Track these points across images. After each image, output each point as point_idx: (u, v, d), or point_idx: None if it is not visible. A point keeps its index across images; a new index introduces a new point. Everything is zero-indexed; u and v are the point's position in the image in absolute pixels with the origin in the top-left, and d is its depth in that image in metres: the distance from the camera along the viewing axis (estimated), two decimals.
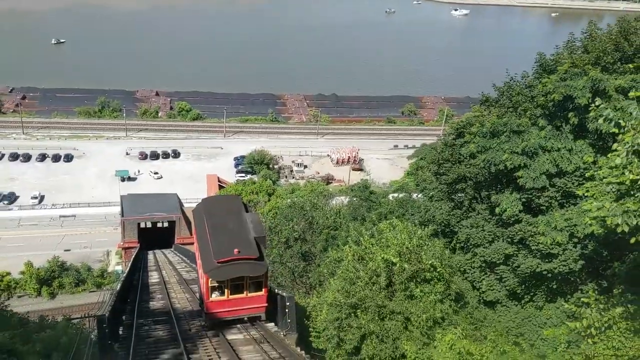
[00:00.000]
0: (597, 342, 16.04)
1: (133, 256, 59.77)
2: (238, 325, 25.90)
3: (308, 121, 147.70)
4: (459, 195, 28.33)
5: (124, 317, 29.03)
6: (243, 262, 23.89)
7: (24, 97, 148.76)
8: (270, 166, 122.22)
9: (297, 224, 46.62)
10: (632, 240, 12.17)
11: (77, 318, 34.35)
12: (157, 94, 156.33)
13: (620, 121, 12.88)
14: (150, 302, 35.39)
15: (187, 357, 20.70)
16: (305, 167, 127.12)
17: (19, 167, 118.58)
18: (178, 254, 65.05)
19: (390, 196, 48.68)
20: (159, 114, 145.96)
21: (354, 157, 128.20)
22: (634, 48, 23.46)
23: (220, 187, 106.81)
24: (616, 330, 15.85)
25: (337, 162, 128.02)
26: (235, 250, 23.64)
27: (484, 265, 26.17)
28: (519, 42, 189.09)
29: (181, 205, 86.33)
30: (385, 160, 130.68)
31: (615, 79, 21.76)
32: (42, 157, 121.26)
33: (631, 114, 13.00)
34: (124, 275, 39.79)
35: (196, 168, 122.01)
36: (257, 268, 24.38)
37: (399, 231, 22.89)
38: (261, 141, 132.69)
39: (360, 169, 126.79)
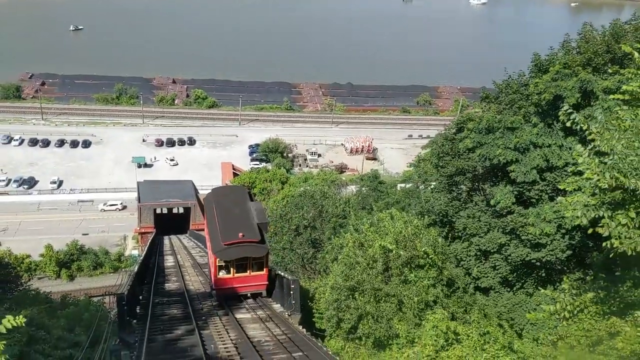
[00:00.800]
0: (570, 324, 17.72)
1: (149, 241, 62.00)
2: (246, 306, 28.02)
3: (323, 110, 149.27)
4: (458, 187, 29.98)
5: (140, 297, 31.12)
6: (247, 245, 27.74)
7: (43, 84, 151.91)
8: (285, 154, 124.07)
9: (307, 212, 48.41)
10: (590, 231, 13.81)
11: (98, 296, 36.52)
12: (173, 82, 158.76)
13: (584, 125, 14.44)
14: (166, 284, 37.58)
15: (199, 332, 22.66)
16: (319, 155, 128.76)
17: (38, 153, 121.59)
18: (193, 239, 67.27)
19: (398, 186, 50.28)
20: (176, 102, 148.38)
21: (368, 146, 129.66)
22: (623, 50, 24.80)
23: (235, 174, 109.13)
24: (587, 313, 17.49)
25: (351, 151, 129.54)
26: (240, 234, 27.48)
27: (479, 253, 27.82)
28: (537, 32, 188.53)
29: (196, 192, 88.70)
30: (400, 150, 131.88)
31: (604, 79, 23.22)
32: (61, 143, 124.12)
33: (596, 118, 14.57)
34: (141, 258, 41.96)
35: (211, 155, 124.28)
36: (259, 250, 28.28)
37: (397, 220, 24.64)
38: (276, 129, 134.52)
39: (374, 159, 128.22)
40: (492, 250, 27.11)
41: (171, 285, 37.38)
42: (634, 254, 12.99)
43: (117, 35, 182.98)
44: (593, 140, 15.21)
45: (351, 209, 47.86)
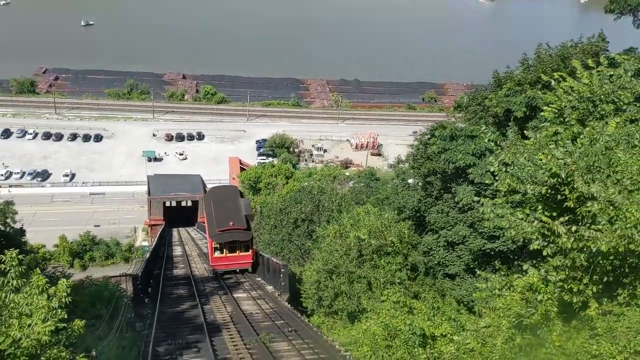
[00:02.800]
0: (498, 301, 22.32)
1: (159, 232, 66.88)
2: (244, 287, 32.88)
3: (329, 106, 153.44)
4: (432, 186, 34.43)
5: (152, 280, 35.98)
6: (236, 231, 37.21)
7: (56, 78, 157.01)
8: (291, 150, 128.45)
9: (305, 206, 52.99)
10: (490, 226, 18.28)
11: (116, 276, 41.37)
12: (183, 77, 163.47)
13: (497, 141, 18.87)
14: (174, 270, 42.58)
15: (201, 307, 27.44)
16: (325, 151, 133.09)
17: (51, 146, 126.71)
18: (200, 231, 72.02)
19: (390, 183, 54.66)
20: (185, 97, 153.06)
21: (373, 142, 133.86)
22: (568, 70, 29.07)
23: (242, 169, 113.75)
24: (512, 291, 22.06)
25: (357, 147, 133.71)
26: (231, 222, 37.05)
27: (446, 244, 32.31)
28: (546, 30, 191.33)
29: (204, 186, 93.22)
30: (404, 146, 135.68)
31: (544, 94, 27.59)
32: (74, 137, 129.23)
33: (506, 135, 19.03)
34: (152, 247, 46.84)
35: (219, 150, 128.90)
36: (245, 235, 38.12)
37: (371, 215, 29.21)
38: (283, 125, 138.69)
39: (379, 154, 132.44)
40: (457, 242, 31.57)
41: (179, 271, 42.33)
42: (526, 241, 17.41)
43: (128, 31, 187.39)
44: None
45: (346, 204, 52.43)
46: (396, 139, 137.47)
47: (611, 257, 15.43)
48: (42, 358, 11.36)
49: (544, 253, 15.79)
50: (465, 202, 30.14)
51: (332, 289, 26.85)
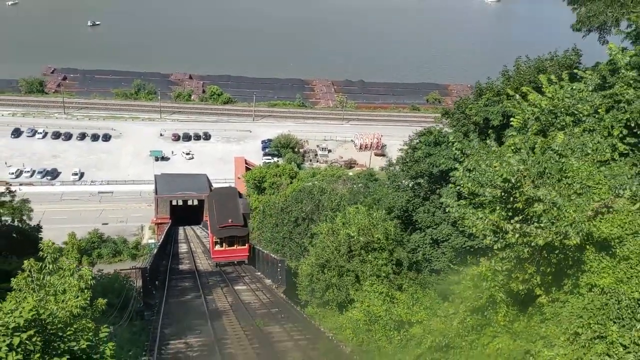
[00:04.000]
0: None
1: (166, 230, 70.02)
2: (244, 280, 35.87)
3: (334, 107, 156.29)
4: (420, 187, 37.25)
5: (159, 275, 39.01)
6: (234, 227, 43.27)
7: (65, 78, 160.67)
8: (296, 150, 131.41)
9: (305, 206, 55.87)
10: (458, 221, 21.10)
11: (126, 269, 44.42)
12: (190, 77, 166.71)
13: (463, 149, 21.69)
14: (180, 265, 45.66)
15: (204, 297, 30.43)
16: (330, 151, 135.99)
17: (61, 145, 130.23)
18: (205, 230, 75.16)
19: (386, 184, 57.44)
20: (192, 97, 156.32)
21: (377, 142, 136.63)
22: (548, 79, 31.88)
23: (247, 169, 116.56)
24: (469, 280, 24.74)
25: (361, 147, 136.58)
26: (230, 220, 43.27)
27: (432, 241, 35.14)
28: (552, 30, 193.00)
29: (210, 185, 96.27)
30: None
31: (513, 106, 30.36)
32: (82, 136, 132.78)
33: (471, 143, 21.84)
34: (159, 244, 49.97)
35: (225, 150, 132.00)
36: (242, 231, 44.60)
37: (361, 214, 32.09)
38: (288, 125, 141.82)
39: (383, 155, 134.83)
40: (441, 239, 34.38)
41: (184, 266, 45.41)
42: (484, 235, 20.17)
43: (134, 31, 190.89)
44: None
45: (345, 204, 55.26)
46: (400, 140, 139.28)
47: (551, 251, 18.22)
48: (73, 326, 14.27)
49: (494, 247, 18.59)
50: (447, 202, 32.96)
51: (324, 281, 29.73)
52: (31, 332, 12.47)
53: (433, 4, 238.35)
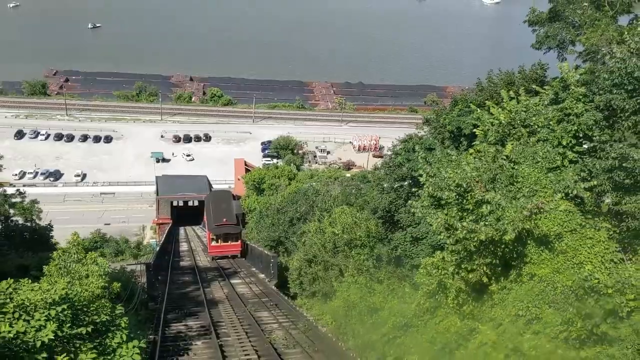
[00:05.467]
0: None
1: (167, 230, 73.72)
2: (240, 275, 39.55)
3: (333, 108, 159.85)
4: (403, 189, 40.86)
5: (161, 270, 42.72)
6: (228, 225, 49.38)
7: (66, 80, 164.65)
8: (295, 151, 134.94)
9: (300, 206, 59.41)
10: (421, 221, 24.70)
11: (132, 264, 48.05)
12: (191, 79, 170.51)
13: (427, 157, 25.35)
14: (180, 262, 49.49)
15: (203, 289, 34.11)
16: (328, 153, 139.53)
17: (63, 147, 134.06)
18: (204, 229, 78.84)
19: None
20: (193, 99, 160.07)
21: (375, 144, 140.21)
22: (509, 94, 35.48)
23: (247, 170, 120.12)
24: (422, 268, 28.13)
25: (359, 149, 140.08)
26: (224, 219, 49.58)
27: (412, 239, 38.74)
28: None
29: (210, 186, 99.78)
30: None
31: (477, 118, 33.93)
32: (84, 138, 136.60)
33: (435, 152, 25.49)
34: (161, 243, 53.86)
35: (226, 151, 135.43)
36: (236, 229, 50.81)
37: (345, 214, 35.75)
38: (287, 127, 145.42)
39: (381, 156, 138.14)
40: (420, 237, 37.96)
41: (185, 262, 49.22)
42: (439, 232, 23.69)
43: (135, 33, 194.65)
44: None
45: (337, 204, 58.80)
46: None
47: (497, 245, 21.75)
48: (95, 304, 17.93)
49: (447, 242, 22.18)
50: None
51: (311, 274, 33.34)
52: (64, 306, 16.09)
53: (433, 6, 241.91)
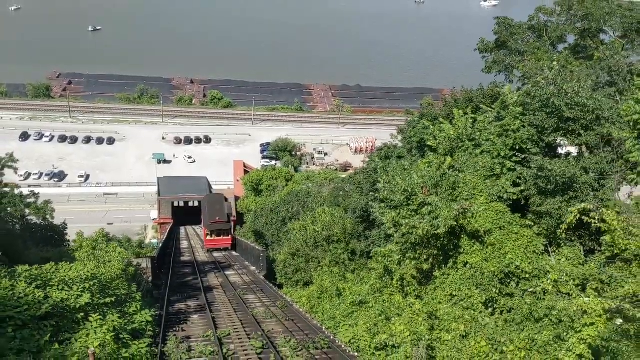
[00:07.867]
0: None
1: (168, 230, 79.50)
2: (234, 268, 45.73)
3: (331, 111, 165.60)
4: (376, 192, 46.88)
5: (164, 263, 48.89)
6: (220, 222, 60.20)
7: (70, 83, 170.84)
8: (293, 153, 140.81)
9: (292, 207, 65.38)
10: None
11: (137, 257, 54.28)
12: (191, 82, 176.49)
13: (385, 167, 31.38)
14: (181, 258, 55.76)
15: (200, 279, 40.28)
16: (326, 154, 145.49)
17: (67, 149, 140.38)
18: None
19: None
20: (193, 102, 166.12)
21: (372, 146, 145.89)
22: (471, 107, 41.33)
23: (246, 171, 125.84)
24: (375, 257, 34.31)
25: (356, 151, 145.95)
26: (217, 217, 60.63)
27: (385, 236, 44.70)
28: None
29: (210, 187, 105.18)
30: None
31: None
32: (88, 140, 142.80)
33: (390, 161, 31.53)
34: (163, 240, 60.11)
35: (226, 153, 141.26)
36: (227, 225, 62.46)
37: (325, 213, 41.84)
38: (286, 129, 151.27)
39: None
40: (393, 234, 43.97)
41: (185, 258, 55.50)
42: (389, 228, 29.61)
43: (136, 36, 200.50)
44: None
45: (327, 205, 64.78)
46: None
47: (437, 239, 27.57)
48: (116, 281, 24.03)
49: (395, 236, 28.10)
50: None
51: (294, 266, 39.44)
52: (95, 281, 22.17)
53: (431, 8, 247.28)
